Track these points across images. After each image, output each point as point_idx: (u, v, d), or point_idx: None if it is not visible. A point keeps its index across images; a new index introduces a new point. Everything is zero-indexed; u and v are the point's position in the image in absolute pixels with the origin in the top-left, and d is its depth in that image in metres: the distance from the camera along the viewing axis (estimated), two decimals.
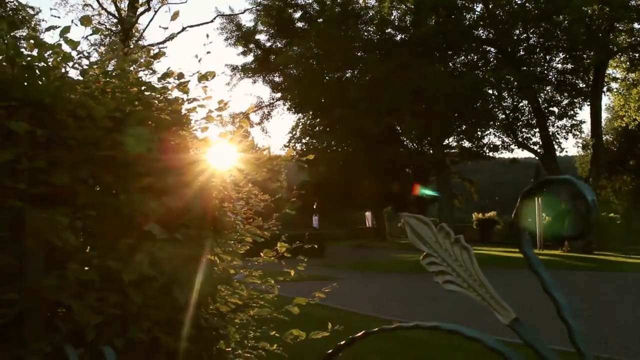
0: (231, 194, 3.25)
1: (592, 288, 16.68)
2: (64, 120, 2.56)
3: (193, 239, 2.97)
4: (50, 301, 2.47)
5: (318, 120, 39.15)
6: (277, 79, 34.34)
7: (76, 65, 3.03)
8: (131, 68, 3.08)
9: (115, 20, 28.23)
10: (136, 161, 2.75)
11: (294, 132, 40.87)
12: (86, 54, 2.88)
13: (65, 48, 2.91)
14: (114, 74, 3.04)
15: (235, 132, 3.22)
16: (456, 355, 9.17)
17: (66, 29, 2.98)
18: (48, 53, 2.85)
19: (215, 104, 3.20)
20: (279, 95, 35.40)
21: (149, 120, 2.84)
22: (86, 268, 2.59)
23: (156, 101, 3.03)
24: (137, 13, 27.47)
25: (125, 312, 2.61)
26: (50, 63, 2.80)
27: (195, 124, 3.23)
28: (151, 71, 3.14)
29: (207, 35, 3.61)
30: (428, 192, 31.33)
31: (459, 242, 1.08)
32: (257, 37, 33.57)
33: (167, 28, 3.57)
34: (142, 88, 2.97)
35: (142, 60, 3.19)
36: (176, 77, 3.12)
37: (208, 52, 3.36)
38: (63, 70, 2.85)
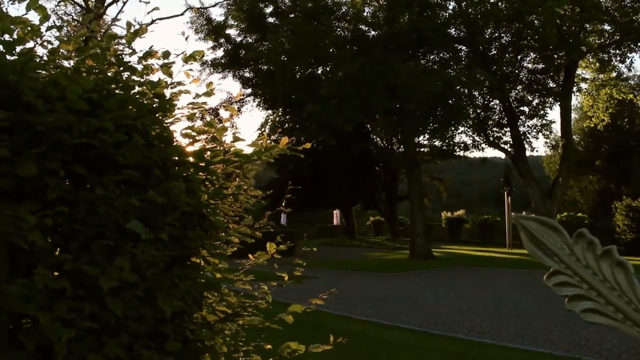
0: (219, 189, 2.91)
1: None
2: (31, 102, 2.19)
3: (178, 239, 2.63)
4: (14, 313, 2.10)
5: (288, 117, 38.82)
6: (247, 75, 33.87)
7: (45, 44, 2.66)
8: (108, 46, 2.71)
9: (81, 11, 27.42)
10: (115, 151, 2.39)
11: (263, 129, 40.48)
12: (57, 25, 2.51)
13: (33, 19, 2.54)
14: (90, 52, 2.67)
15: (225, 120, 2.87)
16: (432, 356, 8.97)
17: (34, 1, 2.62)
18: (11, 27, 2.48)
19: (203, 87, 2.86)
20: (249, 91, 34.93)
21: (129, 104, 2.48)
22: (56, 273, 2.24)
23: (137, 85, 2.66)
24: (105, 4, 26.74)
25: (102, 324, 2.25)
26: (15, 36, 2.42)
27: (179, 111, 2.88)
28: (131, 51, 2.77)
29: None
30: None
31: (610, 256, 0.75)
32: (228, 31, 33.08)
33: (148, 2, 3.16)
34: (121, 69, 2.61)
35: (120, 39, 2.82)
36: (160, 57, 2.76)
37: (187, 36, 3.00)
38: (31, 44, 2.49)
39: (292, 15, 28.38)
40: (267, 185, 46.18)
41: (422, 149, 33.02)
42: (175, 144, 2.74)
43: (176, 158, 2.64)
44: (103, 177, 2.38)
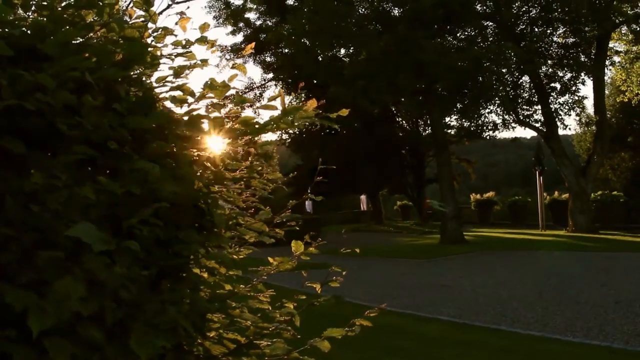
0: (223, 172, 2.12)
1: (616, 270, 15.71)
2: None
3: (167, 244, 1.86)
4: None
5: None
6: (268, 59, 33.06)
7: None
8: None
9: None
10: (63, 119, 1.62)
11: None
12: None
13: None
14: None
15: (230, 78, 2.09)
16: (475, 354, 8.18)
17: None
18: None
19: (197, 33, 2.07)
20: (270, 75, 34.17)
21: (85, 51, 1.71)
22: None
23: (98, 27, 1.88)
24: None
25: None
26: None
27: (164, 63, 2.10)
28: None
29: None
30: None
31: None
32: (247, 15, 32.32)
33: None
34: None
35: None
36: None
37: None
38: None
39: None
40: (292, 172, 45.24)
41: (449, 130, 31.99)
42: (161, 110, 1.95)
43: (158, 130, 1.85)
44: (47, 158, 1.62)
